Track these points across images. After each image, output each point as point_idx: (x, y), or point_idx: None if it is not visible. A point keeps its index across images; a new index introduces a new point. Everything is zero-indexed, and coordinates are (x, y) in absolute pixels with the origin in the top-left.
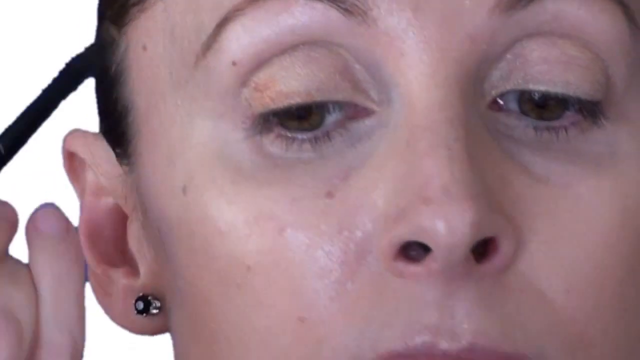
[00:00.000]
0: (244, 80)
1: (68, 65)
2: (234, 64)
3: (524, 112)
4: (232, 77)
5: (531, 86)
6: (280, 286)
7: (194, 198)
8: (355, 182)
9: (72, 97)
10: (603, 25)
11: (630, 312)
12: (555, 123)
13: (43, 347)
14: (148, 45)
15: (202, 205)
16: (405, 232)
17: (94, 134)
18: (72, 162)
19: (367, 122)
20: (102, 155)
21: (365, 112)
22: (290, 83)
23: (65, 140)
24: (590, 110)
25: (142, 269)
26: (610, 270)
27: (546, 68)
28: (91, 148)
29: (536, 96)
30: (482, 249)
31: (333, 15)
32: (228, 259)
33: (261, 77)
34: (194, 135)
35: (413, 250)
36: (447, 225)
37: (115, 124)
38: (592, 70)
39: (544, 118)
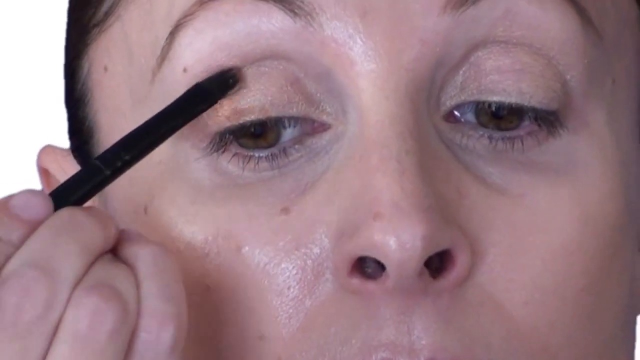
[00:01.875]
0: None
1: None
2: (185, 70)
3: (481, 124)
4: (184, 86)
5: (485, 97)
6: (239, 304)
7: (155, 218)
8: (311, 198)
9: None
10: (555, 22)
11: (593, 320)
12: (511, 133)
13: (149, 317)
14: (109, 66)
15: (163, 225)
16: (357, 248)
17: (64, 151)
18: (48, 178)
19: (324, 137)
20: (72, 171)
21: (322, 127)
22: (243, 100)
23: (38, 156)
24: (547, 120)
25: None
26: (570, 279)
27: (499, 78)
28: (62, 165)
29: (491, 107)
30: (438, 263)
31: (279, 17)
32: (188, 279)
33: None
34: (153, 154)
35: (368, 267)
36: (398, 241)
37: (82, 144)
38: (545, 77)
39: (501, 129)
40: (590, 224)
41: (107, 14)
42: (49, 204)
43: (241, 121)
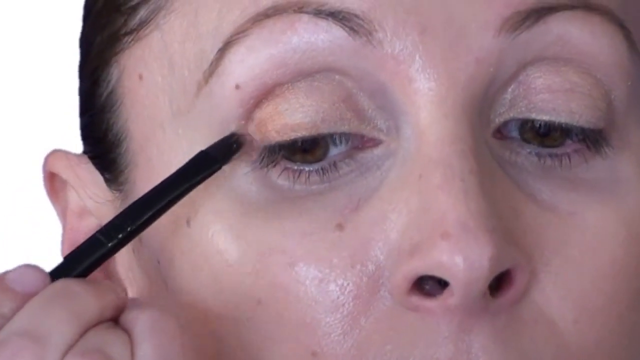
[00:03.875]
0: (246, 110)
1: (197, 156)
2: (237, 87)
3: (525, 140)
4: (234, 102)
5: (534, 115)
6: (292, 320)
7: (200, 231)
8: (365, 214)
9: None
10: (604, 48)
11: (634, 337)
12: (558, 150)
13: None
14: (144, 74)
15: (208, 239)
16: (421, 267)
17: (77, 156)
18: (53, 183)
19: (375, 152)
20: (88, 178)
21: (373, 142)
22: (294, 115)
23: (46, 160)
24: (593, 139)
25: (131, 293)
26: (616, 297)
27: (549, 97)
28: (75, 170)
29: (540, 125)
30: (496, 282)
31: (337, 34)
32: (237, 293)
33: (264, 110)
34: None
35: (427, 284)
36: (466, 260)
37: (105, 152)
38: (593, 97)
39: (546, 145)
40: (634, 243)
41: (143, 23)
42: (44, 277)
43: (292, 137)
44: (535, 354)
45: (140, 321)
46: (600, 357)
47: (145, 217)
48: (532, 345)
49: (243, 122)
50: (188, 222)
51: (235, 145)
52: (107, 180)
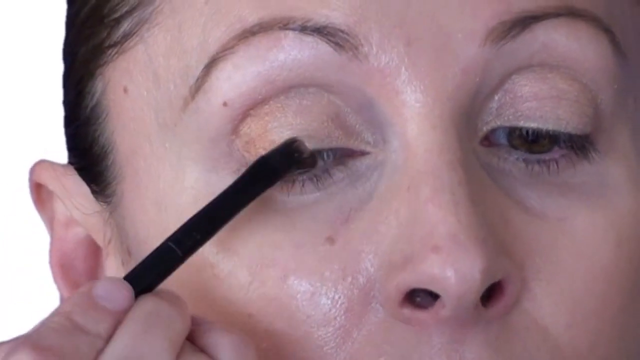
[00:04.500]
0: (235, 126)
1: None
2: (225, 104)
3: (513, 146)
4: (223, 119)
5: (522, 123)
6: (284, 334)
7: None
8: (355, 226)
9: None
10: (590, 53)
11: (627, 338)
12: (546, 156)
13: None
14: (129, 87)
15: (199, 252)
16: (412, 280)
17: (63, 167)
18: (40, 193)
19: (363, 161)
20: (74, 189)
21: (360, 153)
22: (283, 134)
23: (32, 171)
24: (581, 145)
25: None
26: (608, 301)
27: (537, 104)
28: (62, 181)
29: (527, 133)
30: (487, 292)
31: (323, 49)
32: (229, 306)
33: (253, 127)
34: (185, 179)
35: (418, 297)
36: (457, 273)
37: (92, 164)
38: (580, 103)
39: (534, 152)
40: (625, 245)
41: (127, 36)
42: (130, 293)
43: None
44: None
45: (225, 346)
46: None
47: (213, 225)
48: (525, 353)
49: (233, 136)
50: None
51: (296, 155)
52: (94, 192)
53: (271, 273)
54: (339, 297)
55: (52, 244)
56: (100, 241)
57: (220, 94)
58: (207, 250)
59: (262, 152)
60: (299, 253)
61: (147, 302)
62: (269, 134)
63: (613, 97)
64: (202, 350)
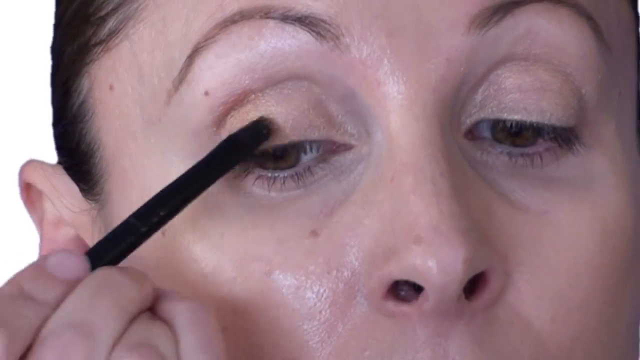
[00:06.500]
0: (217, 117)
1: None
2: (206, 93)
3: (497, 140)
4: (205, 109)
5: (505, 115)
6: (269, 329)
7: (175, 240)
8: (339, 219)
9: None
10: (573, 40)
11: (611, 332)
12: (529, 150)
13: None
14: (115, 85)
15: (184, 248)
16: (395, 271)
17: (53, 166)
18: (29, 193)
19: (347, 156)
20: (63, 188)
21: (344, 147)
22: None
23: (22, 171)
24: (565, 137)
25: None
26: (593, 294)
27: (520, 96)
28: (51, 180)
29: (511, 125)
30: (471, 284)
31: (304, 39)
32: (213, 302)
33: (234, 117)
34: (170, 174)
35: (402, 290)
36: (439, 264)
37: (79, 162)
38: (564, 94)
39: (517, 145)
40: (610, 238)
41: (113, 33)
42: (85, 263)
43: (263, 146)
44: (513, 355)
45: (180, 312)
46: (578, 355)
47: (177, 201)
48: (509, 346)
49: (214, 128)
50: (163, 231)
51: (265, 131)
52: (82, 190)
53: (255, 268)
54: (324, 291)
55: (41, 243)
56: (89, 240)
57: (202, 83)
58: (192, 247)
59: None
60: (282, 247)
61: (100, 272)
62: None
63: (597, 89)
64: (161, 319)
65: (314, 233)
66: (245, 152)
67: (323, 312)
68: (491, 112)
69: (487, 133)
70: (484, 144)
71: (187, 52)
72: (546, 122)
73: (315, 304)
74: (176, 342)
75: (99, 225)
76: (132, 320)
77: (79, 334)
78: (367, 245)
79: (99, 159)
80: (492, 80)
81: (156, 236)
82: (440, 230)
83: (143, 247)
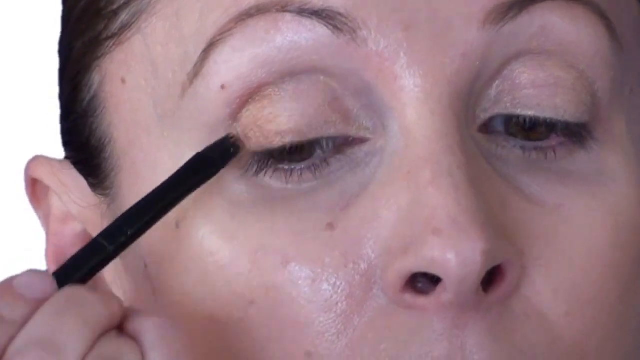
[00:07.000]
0: (233, 111)
1: (196, 157)
2: (222, 87)
3: (510, 134)
4: (221, 103)
5: (519, 111)
6: (285, 320)
7: (189, 233)
8: (355, 212)
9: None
10: (587, 37)
11: (623, 327)
12: (543, 144)
13: None
14: (127, 78)
15: (198, 240)
16: (414, 264)
17: (60, 162)
18: (35, 188)
19: (362, 149)
20: (71, 183)
21: (359, 140)
22: (280, 121)
23: (28, 166)
24: (577, 133)
25: (118, 295)
26: (606, 289)
27: (534, 92)
28: (58, 176)
29: (525, 121)
30: (487, 277)
31: (321, 32)
32: (229, 294)
33: (251, 112)
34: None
35: (419, 282)
36: (459, 256)
37: (89, 157)
38: (577, 90)
39: (531, 139)
40: (622, 233)
41: (125, 27)
42: (52, 283)
43: (280, 143)
44: (528, 348)
45: (147, 329)
46: (591, 349)
47: (145, 220)
48: (524, 339)
49: (230, 122)
50: (177, 224)
51: (232, 149)
52: (91, 185)
53: (272, 260)
54: (340, 284)
55: (48, 239)
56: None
57: (218, 77)
58: (208, 239)
59: (261, 140)
60: (299, 240)
61: (66, 290)
62: (266, 120)
63: (610, 86)
64: (129, 336)
65: (331, 226)
66: (214, 169)
67: (339, 305)
68: (505, 107)
69: (500, 127)
70: (498, 138)
71: (203, 45)
72: (559, 118)
73: (331, 296)
74: (143, 358)
75: (109, 220)
76: (99, 337)
77: (45, 351)
78: (384, 238)
79: (110, 153)
80: (506, 76)
81: (170, 229)
82: (458, 222)
83: (156, 240)
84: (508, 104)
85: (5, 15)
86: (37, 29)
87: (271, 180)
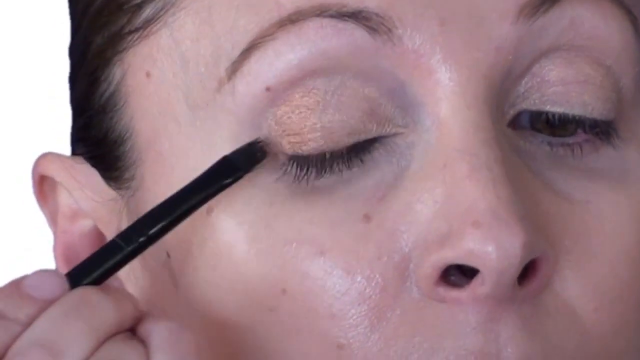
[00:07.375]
0: (273, 112)
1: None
2: (267, 89)
3: (536, 130)
4: (262, 103)
5: (548, 107)
6: (318, 311)
7: (222, 220)
8: (391, 205)
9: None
10: (614, 32)
11: None
12: (569, 140)
13: None
14: (153, 72)
15: (233, 228)
16: (451, 256)
17: (72, 158)
18: (42, 186)
19: (397, 141)
20: (84, 179)
21: (393, 134)
22: (321, 131)
23: (37, 163)
24: (605, 130)
25: (131, 292)
26: (633, 285)
27: (563, 89)
28: (71, 172)
29: (554, 117)
30: (522, 270)
31: (359, 35)
32: (262, 282)
33: (292, 119)
34: (216, 154)
35: (452, 276)
36: (499, 249)
37: (107, 151)
38: (604, 87)
39: (557, 135)
40: None
41: (149, 21)
42: (62, 283)
43: (318, 149)
44: (559, 343)
45: (156, 332)
46: (618, 345)
47: (165, 222)
48: (555, 334)
49: (271, 122)
50: (209, 211)
51: (259, 154)
52: (108, 180)
53: (307, 249)
54: (375, 276)
55: (56, 237)
56: (109, 231)
57: (261, 78)
58: (243, 226)
59: (303, 148)
60: (335, 230)
61: (76, 292)
62: (311, 129)
63: (634, 83)
64: (139, 339)
65: (367, 217)
66: (239, 174)
67: (373, 297)
68: (533, 103)
69: (526, 123)
70: (525, 133)
71: (242, 45)
72: (588, 115)
73: (365, 289)
74: None
75: (126, 213)
76: (106, 339)
77: (46, 353)
78: (419, 231)
79: (131, 146)
80: (535, 72)
81: (201, 216)
82: (499, 214)
83: (186, 227)
84: (536, 100)
85: (6, 15)
86: (38, 28)
87: (310, 175)
